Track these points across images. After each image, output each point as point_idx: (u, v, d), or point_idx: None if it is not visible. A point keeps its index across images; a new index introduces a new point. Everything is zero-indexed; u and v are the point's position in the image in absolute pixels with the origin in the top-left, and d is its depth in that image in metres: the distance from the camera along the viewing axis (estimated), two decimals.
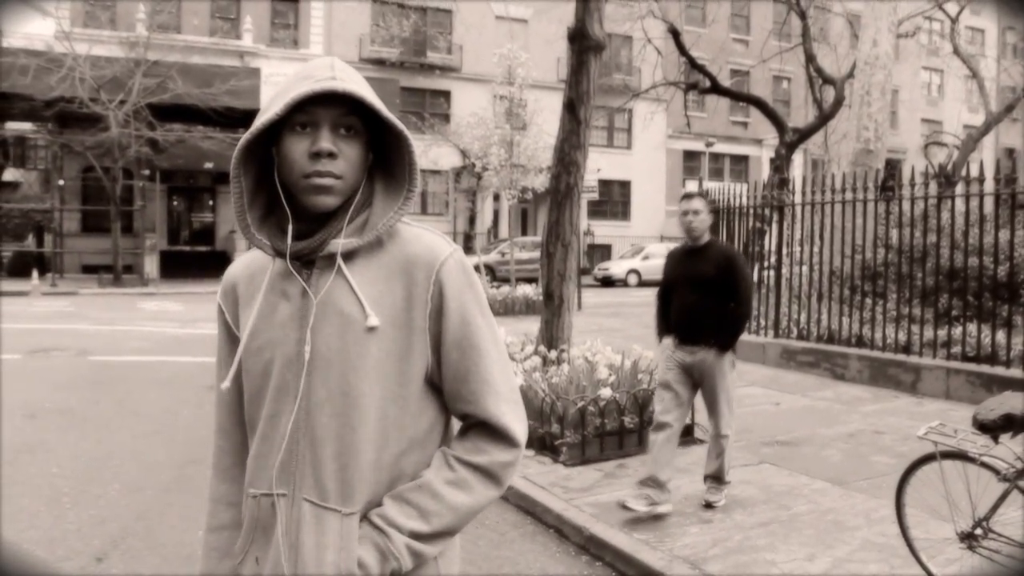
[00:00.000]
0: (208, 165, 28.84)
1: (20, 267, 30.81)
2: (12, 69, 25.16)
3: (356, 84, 1.48)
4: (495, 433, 1.55)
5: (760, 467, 6.19)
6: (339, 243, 1.51)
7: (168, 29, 30.96)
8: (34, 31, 35.52)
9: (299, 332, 1.53)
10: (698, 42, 34.57)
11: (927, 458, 3.85)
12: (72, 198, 32.20)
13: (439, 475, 1.53)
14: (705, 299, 5.14)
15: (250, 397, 1.61)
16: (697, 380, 5.28)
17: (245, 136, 1.48)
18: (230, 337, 1.70)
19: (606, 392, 6.28)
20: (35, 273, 26.16)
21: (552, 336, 7.46)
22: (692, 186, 35.17)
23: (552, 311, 7.53)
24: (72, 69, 25.39)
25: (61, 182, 30.37)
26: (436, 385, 1.58)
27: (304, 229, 1.53)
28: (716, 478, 5.34)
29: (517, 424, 1.56)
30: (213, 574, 1.69)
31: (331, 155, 1.48)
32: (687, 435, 6.75)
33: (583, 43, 7.41)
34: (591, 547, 4.82)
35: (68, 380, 10.11)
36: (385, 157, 1.59)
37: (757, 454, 6.54)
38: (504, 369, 1.60)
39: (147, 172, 28.40)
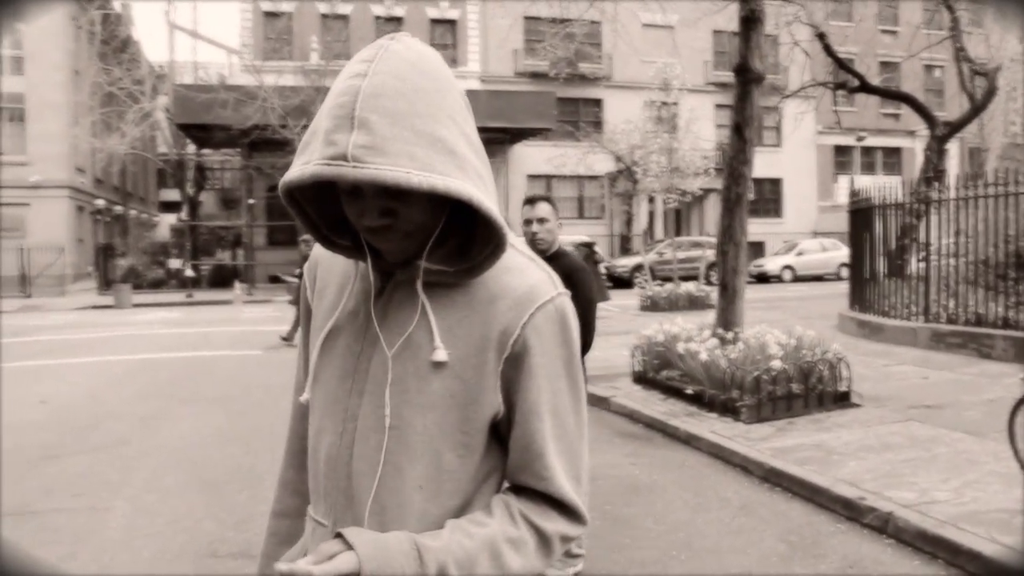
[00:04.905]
0: None
1: (219, 279, 34.20)
2: (214, 103, 28.32)
3: (383, 151, 1.16)
4: (562, 507, 1.38)
5: (907, 423, 7.49)
6: (422, 265, 1.33)
7: (340, 57, 33.77)
8: (216, 60, 39.20)
9: (358, 344, 1.38)
10: (846, 38, 34.87)
11: None
12: (260, 215, 35.40)
13: (502, 528, 1.33)
14: None
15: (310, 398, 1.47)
16: None
17: (284, 181, 1.24)
18: (308, 316, 1.55)
19: (776, 364, 7.75)
20: (237, 284, 29.19)
21: (727, 320, 8.93)
22: (844, 182, 35.49)
23: (727, 299, 9.00)
24: (265, 100, 28.28)
25: (252, 201, 33.49)
26: (500, 435, 1.39)
27: None
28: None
29: (583, 505, 1.39)
30: (272, 557, 1.62)
31: (385, 227, 1.27)
32: (844, 399, 8.12)
33: (746, 75, 8.87)
34: (771, 477, 6.30)
35: None
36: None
37: (905, 414, 7.83)
38: (582, 442, 1.42)
39: None
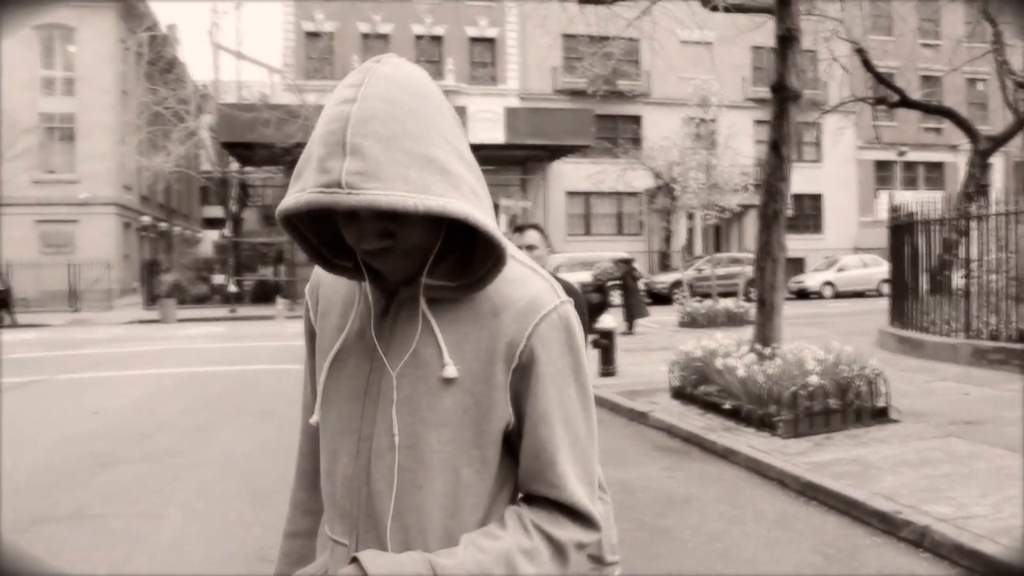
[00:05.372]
0: None
1: (261, 294, 34.71)
2: (257, 122, 28.85)
3: (377, 176, 1.16)
4: (575, 514, 1.38)
5: (947, 439, 7.50)
6: (422, 282, 1.34)
7: None
8: (259, 79, 39.91)
9: (367, 364, 1.39)
10: (886, 53, 34.67)
11: None
12: None
13: (516, 540, 1.33)
14: None
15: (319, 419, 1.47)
16: None
17: (281, 209, 1.24)
18: (311, 337, 1.56)
19: (814, 379, 7.81)
20: (279, 299, 29.63)
21: (765, 335, 8.99)
22: (885, 197, 35.24)
23: (765, 315, 9.06)
24: (306, 119, 28.77)
25: None
26: (512, 446, 1.41)
27: None
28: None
29: (595, 510, 1.40)
30: None
31: (384, 249, 1.28)
32: (882, 415, 8.14)
33: (783, 93, 8.96)
34: (807, 491, 6.36)
35: None
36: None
37: (945, 430, 7.84)
38: (593, 448, 1.42)
39: None
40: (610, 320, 12.42)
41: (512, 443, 1.40)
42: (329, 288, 1.49)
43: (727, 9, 10.86)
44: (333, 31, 37.10)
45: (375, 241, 1.25)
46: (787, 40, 8.98)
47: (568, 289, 4.19)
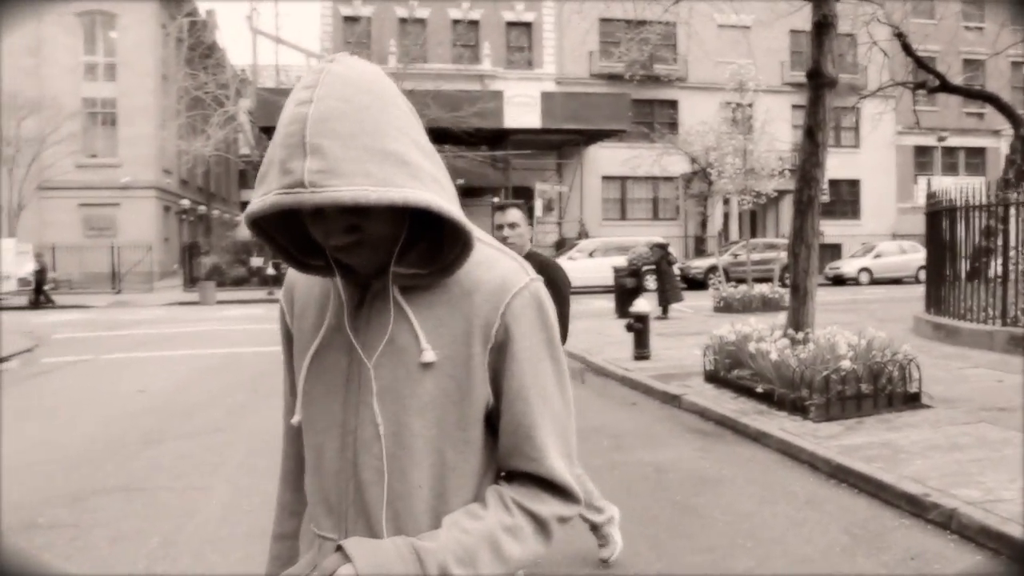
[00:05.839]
0: (459, 181, 32.01)
1: None
2: None
3: (338, 173, 1.19)
4: (554, 488, 1.41)
5: (978, 425, 7.54)
6: (392, 271, 1.37)
7: (418, 60, 34.42)
8: (297, 63, 40.20)
9: (346, 358, 1.41)
10: (926, 36, 34.22)
11: None
12: None
13: (498, 518, 1.37)
14: None
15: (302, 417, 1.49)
16: None
17: (247, 214, 1.26)
18: (288, 340, 1.59)
19: (846, 363, 7.88)
20: None
21: (798, 321, 9.05)
22: (923, 183, 34.86)
23: (799, 300, 9.13)
24: None
25: None
26: (492, 423, 1.43)
27: None
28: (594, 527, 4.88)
29: (575, 482, 1.43)
30: None
31: (352, 244, 1.31)
32: (914, 400, 8.19)
33: (818, 80, 8.99)
34: (838, 474, 6.45)
35: None
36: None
37: (977, 416, 7.88)
38: (570, 421, 1.46)
39: None
40: (644, 304, 12.51)
41: (493, 422, 1.43)
42: (304, 289, 1.52)
43: None
44: (371, 16, 37.29)
45: (342, 236, 1.28)
46: (823, 26, 8.99)
47: (544, 264, 4.31)
